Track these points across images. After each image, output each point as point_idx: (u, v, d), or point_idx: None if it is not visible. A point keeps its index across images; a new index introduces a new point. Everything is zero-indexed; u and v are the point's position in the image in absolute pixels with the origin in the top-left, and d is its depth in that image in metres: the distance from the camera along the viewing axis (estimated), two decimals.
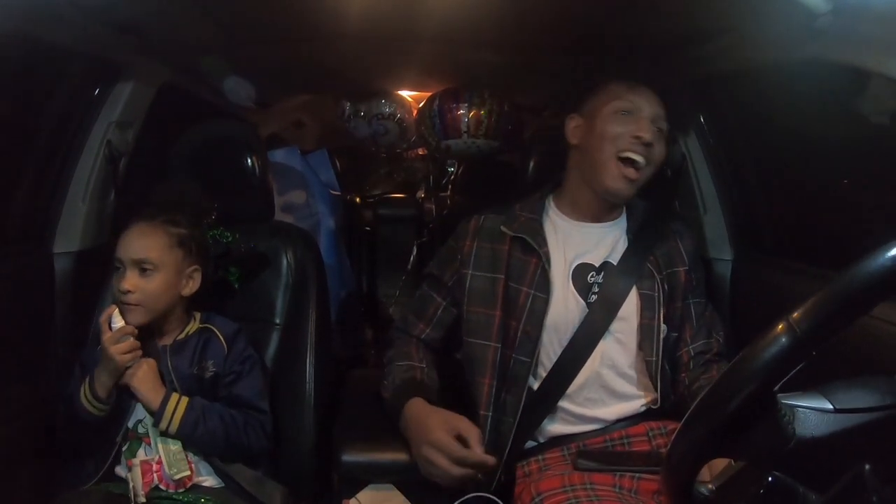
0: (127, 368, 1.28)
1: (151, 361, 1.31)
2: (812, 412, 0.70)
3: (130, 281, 1.30)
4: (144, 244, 1.32)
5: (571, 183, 1.46)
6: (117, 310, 1.29)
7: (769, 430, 0.69)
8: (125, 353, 1.27)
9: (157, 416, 1.28)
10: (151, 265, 1.31)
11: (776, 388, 0.67)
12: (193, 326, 1.41)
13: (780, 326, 0.65)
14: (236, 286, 1.52)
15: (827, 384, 0.72)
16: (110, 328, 1.27)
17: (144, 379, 1.29)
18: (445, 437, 1.23)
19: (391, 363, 1.45)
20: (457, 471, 1.22)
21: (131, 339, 1.28)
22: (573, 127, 1.45)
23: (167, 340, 1.38)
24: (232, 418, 1.33)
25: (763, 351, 0.65)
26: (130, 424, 1.34)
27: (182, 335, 1.39)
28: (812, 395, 0.71)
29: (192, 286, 1.38)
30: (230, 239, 1.48)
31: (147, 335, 1.36)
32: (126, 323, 1.30)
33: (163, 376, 1.33)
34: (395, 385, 1.39)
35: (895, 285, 0.63)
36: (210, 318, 1.43)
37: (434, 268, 1.52)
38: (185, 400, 1.30)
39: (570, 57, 1.79)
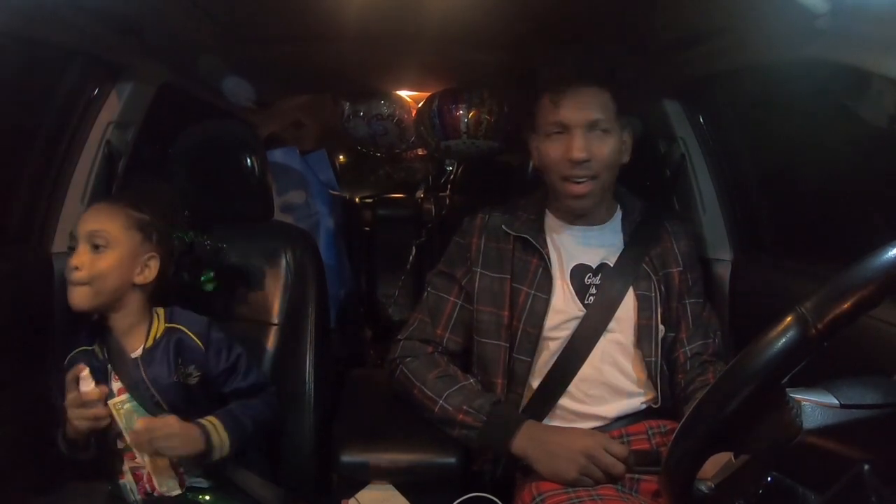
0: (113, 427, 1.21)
1: (154, 421, 1.20)
2: (818, 407, 0.69)
3: (80, 257, 1.24)
4: (100, 219, 1.27)
5: (551, 194, 1.45)
6: (87, 370, 1.20)
7: (776, 423, 0.68)
8: (84, 421, 1.17)
9: (207, 456, 1.21)
10: (104, 240, 1.25)
11: (784, 381, 0.67)
12: (159, 328, 1.32)
13: (790, 317, 0.64)
14: (210, 289, 1.42)
15: (831, 381, 0.72)
16: (77, 387, 1.18)
17: (171, 442, 1.18)
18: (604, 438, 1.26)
19: (429, 380, 1.37)
20: (619, 468, 1.21)
21: (98, 405, 1.19)
22: (534, 148, 1.43)
23: (137, 351, 1.29)
24: (257, 409, 1.33)
25: (773, 341, 0.64)
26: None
27: (150, 342, 1.30)
28: (817, 390, 0.71)
29: (146, 275, 1.29)
30: (195, 239, 1.39)
31: (116, 349, 1.28)
32: (72, 305, 1.24)
33: (142, 391, 1.25)
34: (479, 405, 1.32)
35: None
36: (174, 316, 1.34)
37: (445, 266, 1.49)
38: (219, 423, 1.24)
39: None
